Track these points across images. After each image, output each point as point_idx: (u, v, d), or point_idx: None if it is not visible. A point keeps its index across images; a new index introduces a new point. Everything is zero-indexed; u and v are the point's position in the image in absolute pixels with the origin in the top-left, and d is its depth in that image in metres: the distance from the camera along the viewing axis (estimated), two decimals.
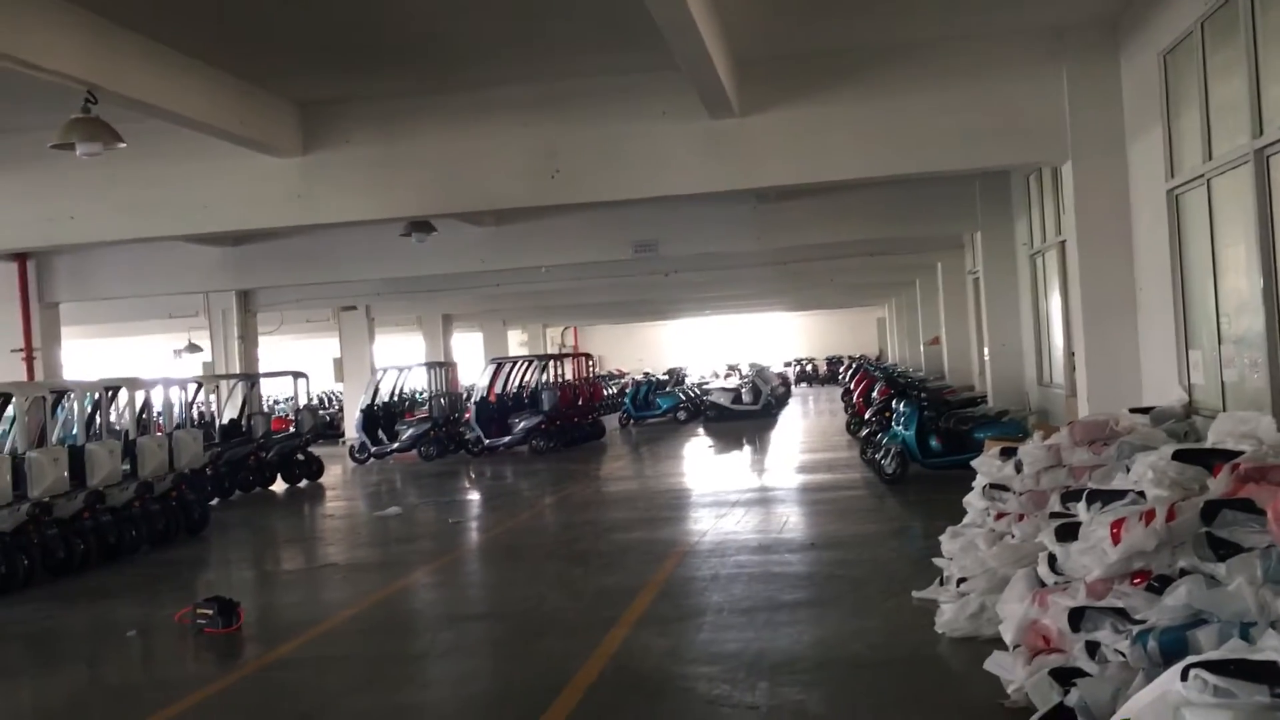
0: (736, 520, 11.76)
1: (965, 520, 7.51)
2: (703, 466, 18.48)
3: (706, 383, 34.50)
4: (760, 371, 30.99)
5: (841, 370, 40.91)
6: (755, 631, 7.15)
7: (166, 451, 12.67)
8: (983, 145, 10.38)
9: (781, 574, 8.85)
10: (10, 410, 12.03)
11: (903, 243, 19.83)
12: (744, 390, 28.33)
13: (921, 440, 13.33)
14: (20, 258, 16.80)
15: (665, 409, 28.39)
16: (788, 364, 48.43)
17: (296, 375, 19.58)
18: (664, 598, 8.32)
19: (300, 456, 18.49)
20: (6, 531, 10.23)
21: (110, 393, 12.87)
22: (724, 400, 28.05)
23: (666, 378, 33.11)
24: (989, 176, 15.82)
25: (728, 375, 40.14)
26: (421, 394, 31.20)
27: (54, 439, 11.89)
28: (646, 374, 35.94)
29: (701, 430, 25.69)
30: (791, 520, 11.69)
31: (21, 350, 16.55)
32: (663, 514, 12.70)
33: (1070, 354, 12.73)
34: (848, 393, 25.97)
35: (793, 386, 41.71)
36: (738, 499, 13.36)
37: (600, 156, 10.97)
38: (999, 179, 15.95)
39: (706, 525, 11.56)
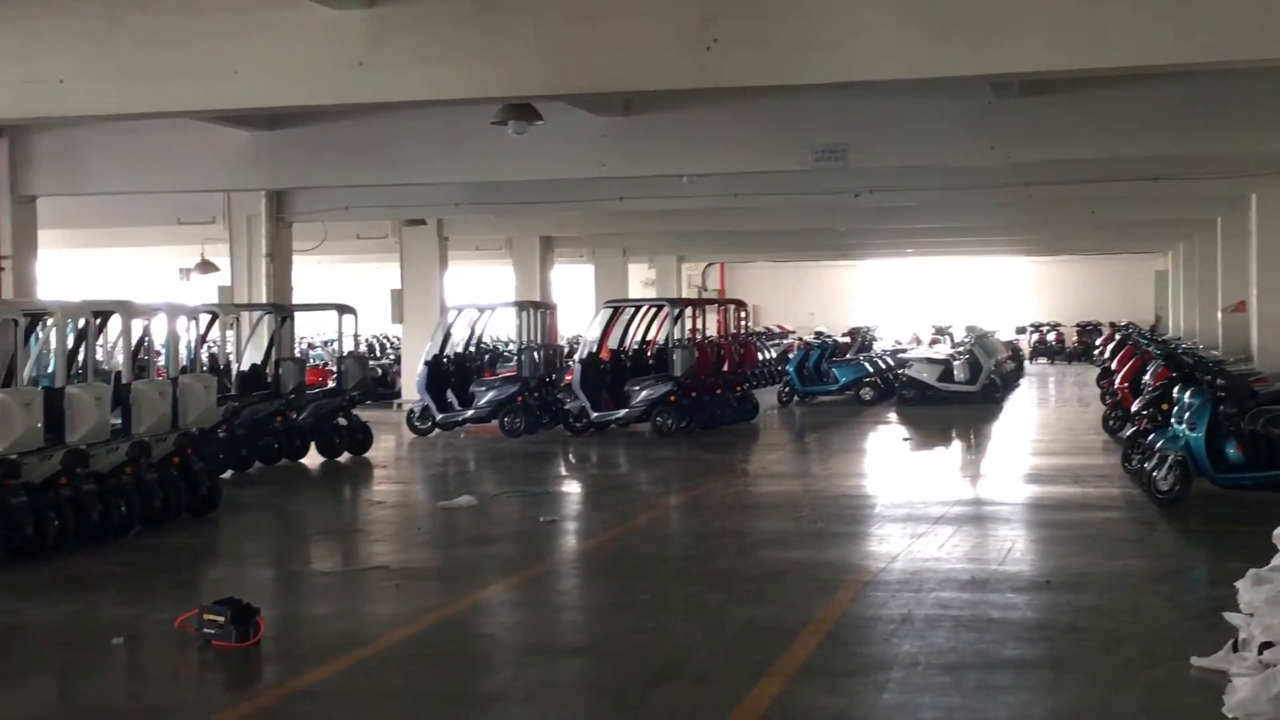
0: (939, 543, 11.67)
1: (1275, 562, 7.33)
2: (894, 466, 18.37)
3: (903, 350, 34.16)
4: (981, 339, 30.51)
5: (1099, 343, 40.03)
6: (962, 698, 7.11)
7: (169, 403, 13.12)
8: None
9: (1002, 620, 8.78)
10: None
11: (1200, 163, 19.25)
12: (957, 364, 27.96)
13: (1214, 447, 13.00)
14: None
15: (844, 383, 28.22)
16: (1020, 330, 47.62)
17: (342, 310, 20.03)
18: (834, 642, 8.31)
19: (342, 421, 18.97)
20: None
21: (99, 320, 13.36)
22: (928, 376, 27.74)
23: (847, 340, 32.86)
24: None
25: (934, 342, 39.64)
26: (508, 345, 31.67)
27: (25, 377, 12.38)
28: (819, 334, 35.71)
29: (894, 415, 25.49)
30: (1018, 547, 11.57)
31: None
32: (835, 528, 12.68)
33: None
34: (1106, 374, 25.42)
35: (1026, 362, 41.01)
36: (942, 514, 13.25)
37: (775, 24, 10.86)
38: None
39: (896, 547, 11.51)
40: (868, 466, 18.65)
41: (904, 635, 8.40)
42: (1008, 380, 30.47)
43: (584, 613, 9.87)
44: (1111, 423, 20.26)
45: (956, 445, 21.37)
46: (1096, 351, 39.04)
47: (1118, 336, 33.14)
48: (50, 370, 13.12)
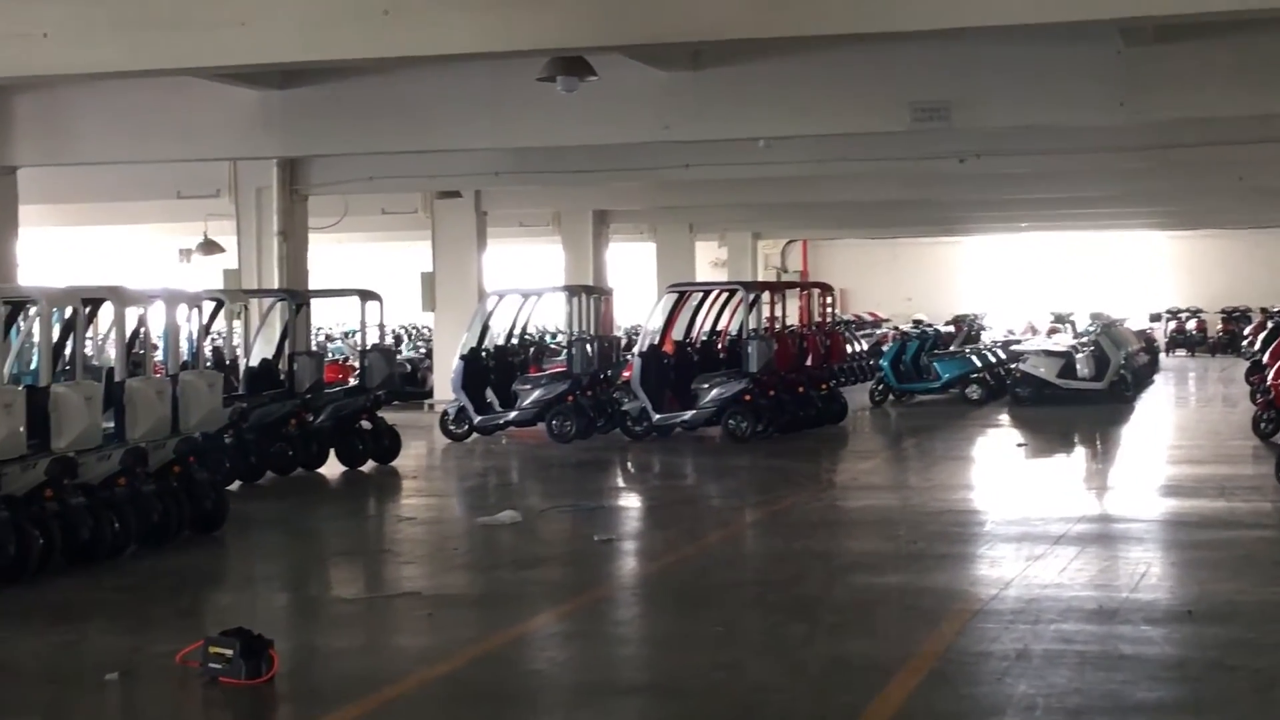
0: (1060, 566, 11.61)
1: None
2: (1006, 477, 18.29)
3: (1017, 341, 33.96)
4: (1108, 328, 30.32)
5: (1247, 332, 39.66)
6: None
7: (168, 403, 13.24)
8: None
9: (1134, 657, 8.73)
10: None
11: None
12: (1080, 357, 27.78)
13: None
14: None
15: (947, 380, 28.12)
16: (1155, 318, 47.25)
17: (365, 296, 20.15)
18: (938, 682, 8.29)
19: (366, 423, 19.09)
20: None
21: (89, 309, 13.50)
22: (1045, 371, 27.59)
23: (951, 330, 32.71)
24: None
25: (1053, 332, 39.41)
26: (556, 336, 31.73)
27: (4, 374, 12.53)
28: (918, 323, 35.55)
29: (1006, 417, 25.40)
30: (1153, 572, 11.51)
31: None
32: (938, 549, 12.65)
33: None
34: (1257, 369, 25.19)
35: (1162, 355, 40.68)
36: (1063, 532, 13.18)
37: None
38: None
39: (1010, 571, 11.47)
40: (975, 477, 18.57)
41: (1019, 674, 8.35)
42: (1140, 376, 30.24)
43: (646, 647, 9.87)
44: (1264, 426, 20.09)
45: (1080, 452, 21.23)
46: (1245, 342, 38.69)
47: (1270, 325, 32.82)
48: (33, 366, 13.27)
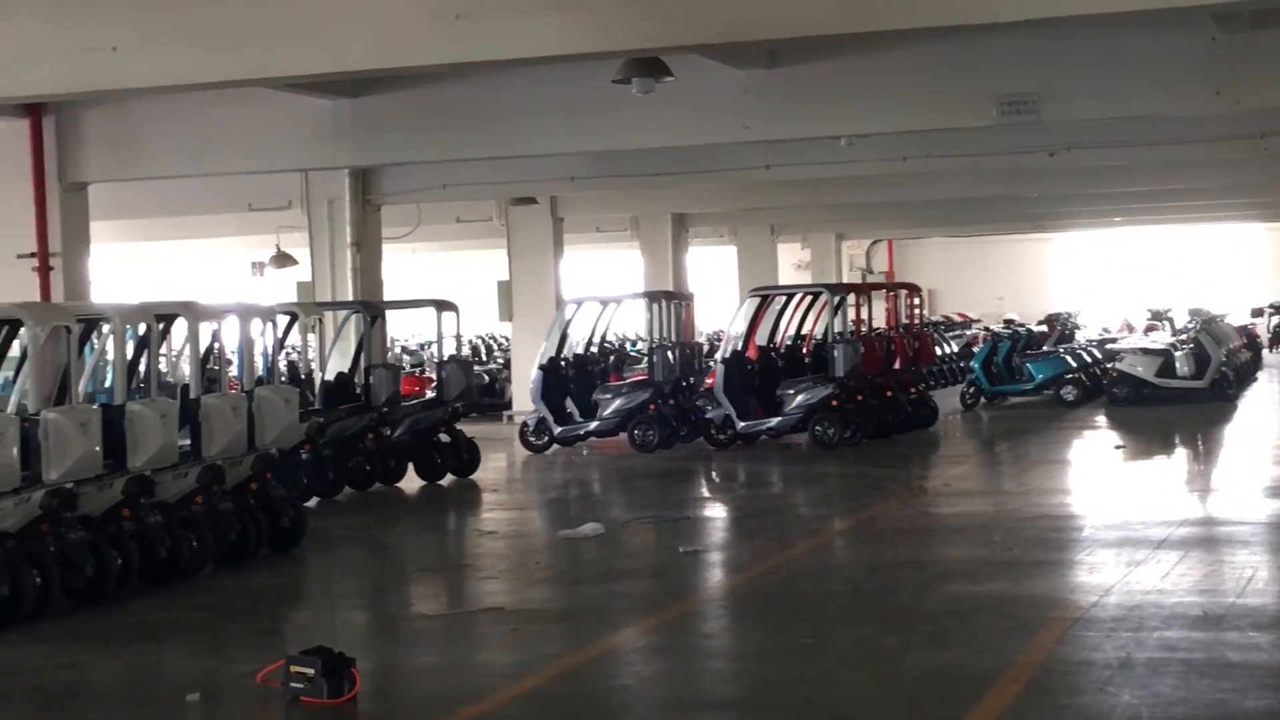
0: (1162, 571, 11.56)
1: None
2: (1104, 480, 18.18)
3: (1113, 340, 33.70)
4: (1208, 325, 30.01)
5: None
6: None
7: (244, 420, 13.37)
8: None
9: (1242, 665, 8.69)
10: (17, 347, 12.97)
11: None
12: (1179, 355, 27.53)
13: None
14: (34, 112, 17.93)
15: (1040, 381, 27.95)
16: (1257, 313, 46.69)
17: (441, 307, 20.27)
18: (1037, 693, 8.27)
19: (444, 437, 19.20)
20: (11, 533, 11.03)
21: (162, 325, 13.65)
22: (1143, 370, 27.36)
23: (1044, 330, 32.50)
24: None
25: (1150, 329, 39.03)
26: (636, 344, 31.75)
27: (80, 393, 12.69)
28: (1009, 322, 35.39)
29: (1102, 419, 25.24)
30: (1260, 576, 11.40)
31: (33, 256, 17.71)
32: (1034, 555, 12.62)
33: None
34: None
35: (1265, 351, 40.19)
36: (1165, 536, 13.12)
37: None
38: None
39: (1110, 577, 11.42)
40: (1072, 481, 18.48)
41: (1122, 683, 8.32)
42: (1242, 374, 29.91)
43: (734, 660, 9.89)
44: None
45: (1181, 454, 21.04)
46: None
47: None
48: (108, 384, 13.44)
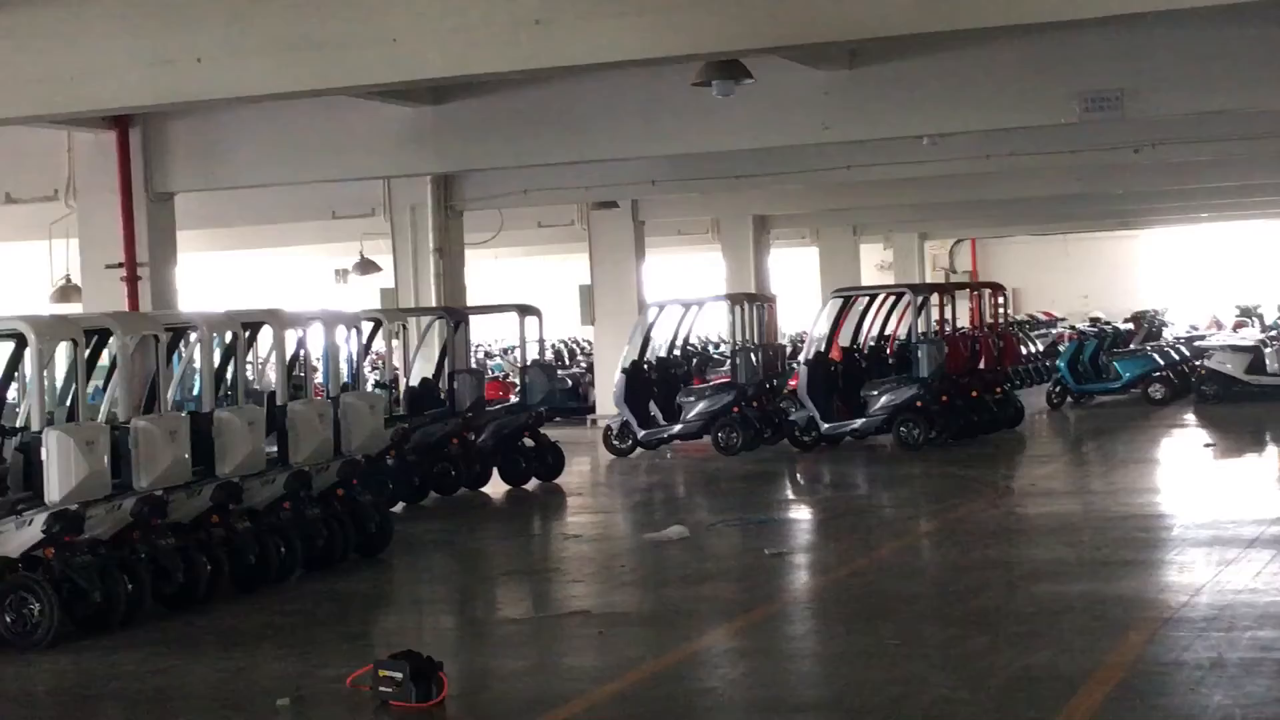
0: (1254, 570, 11.47)
1: None
2: (1194, 479, 18.06)
3: (1201, 337, 33.37)
4: None
5: None
6: None
7: (330, 426, 13.48)
8: None
9: None
10: (106, 356, 13.14)
11: None
12: (1269, 351, 27.24)
13: None
14: (120, 124, 18.17)
15: (1128, 380, 27.75)
16: None
17: (524, 312, 20.36)
18: (1127, 694, 8.23)
19: (528, 441, 19.30)
20: (103, 540, 11.19)
21: (248, 333, 13.80)
22: (1233, 368, 27.10)
23: (1130, 328, 32.23)
24: None
25: (1239, 326, 38.60)
26: (719, 346, 31.73)
27: (169, 400, 12.86)
28: (1096, 321, 35.07)
29: (1191, 417, 25.05)
30: None
31: (121, 266, 17.95)
32: (1123, 555, 12.56)
33: None
34: None
35: None
36: (1257, 535, 13.01)
37: None
38: None
39: (1201, 577, 11.35)
40: (1161, 480, 18.35)
41: (1214, 684, 8.27)
42: None
43: (821, 662, 9.90)
44: None
45: (1272, 451, 20.84)
46: None
47: None
48: (196, 393, 13.58)
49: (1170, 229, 48.97)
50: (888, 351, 23.60)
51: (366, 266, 29.80)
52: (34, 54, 12.82)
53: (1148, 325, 32.50)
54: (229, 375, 13.54)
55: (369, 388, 17.21)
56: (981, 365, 23.34)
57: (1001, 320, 26.74)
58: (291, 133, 18.29)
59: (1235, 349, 27.99)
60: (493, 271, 40.42)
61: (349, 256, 31.36)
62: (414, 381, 19.05)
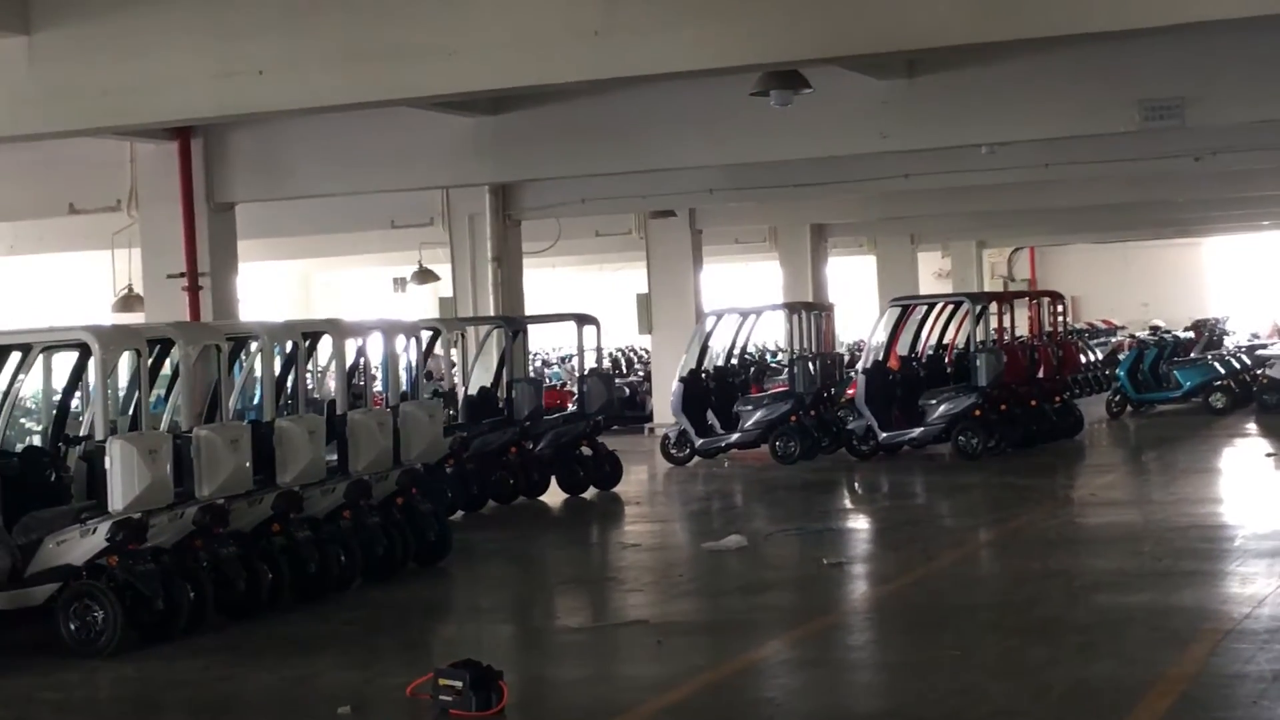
0: None
1: None
2: (1256, 488, 17.94)
3: (1262, 345, 33.12)
4: None
5: None
6: None
7: (390, 435, 13.55)
8: None
9: None
10: (168, 365, 13.27)
11: None
12: None
13: None
14: (182, 135, 18.31)
15: (1189, 388, 27.53)
16: None
17: (582, 321, 20.40)
18: (1189, 706, 8.20)
19: (586, 450, 19.32)
20: (165, 548, 11.29)
21: (309, 342, 13.88)
22: None
23: (1191, 336, 32.03)
24: None
25: None
26: (777, 355, 31.71)
27: (230, 410, 12.95)
28: (1156, 329, 34.86)
29: (1253, 426, 24.85)
30: None
31: (183, 276, 18.10)
32: (1185, 565, 12.48)
33: None
34: None
35: None
36: None
37: None
38: None
39: (1264, 588, 11.27)
40: (1223, 490, 18.22)
41: (1276, 697, 8.24)
42: None
43: (881, 672, 9.89)
44: None
45: None
46: None
47: None
48: (256, 402, 13.68)
49: (1231, 237, 48.65)
50: (946, 360, 23.54)
51: (425, 276, 29.90)
52: (99, 67, 12.95)
53: (1208, 333, 32.30)
54: (289, 384, 13.63)
55: (426, 396, 17.29)
56: (1040, 374, 23.26)
57: (1060, 329, 26.65)
58: (351, 143, 18.40)
59: None
60: (551, 281, 40.54)
61: (408, 266, 31.48)
62: (472, 390, 19.13)
